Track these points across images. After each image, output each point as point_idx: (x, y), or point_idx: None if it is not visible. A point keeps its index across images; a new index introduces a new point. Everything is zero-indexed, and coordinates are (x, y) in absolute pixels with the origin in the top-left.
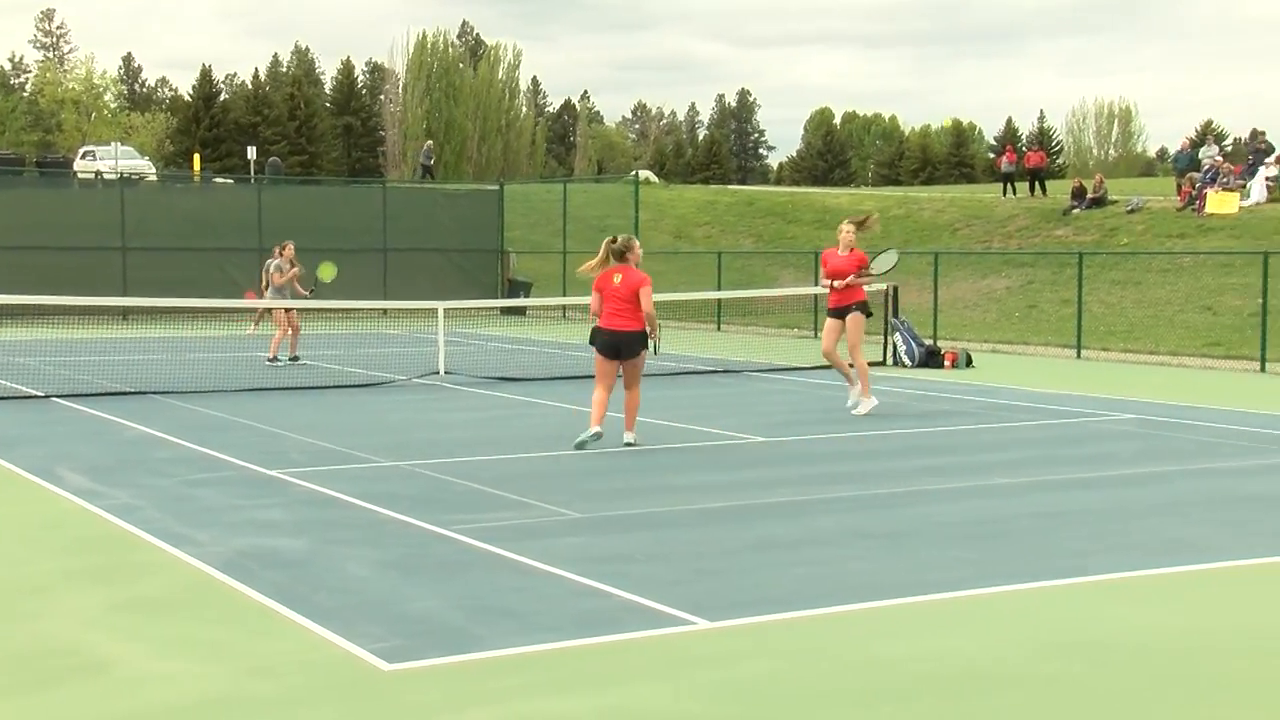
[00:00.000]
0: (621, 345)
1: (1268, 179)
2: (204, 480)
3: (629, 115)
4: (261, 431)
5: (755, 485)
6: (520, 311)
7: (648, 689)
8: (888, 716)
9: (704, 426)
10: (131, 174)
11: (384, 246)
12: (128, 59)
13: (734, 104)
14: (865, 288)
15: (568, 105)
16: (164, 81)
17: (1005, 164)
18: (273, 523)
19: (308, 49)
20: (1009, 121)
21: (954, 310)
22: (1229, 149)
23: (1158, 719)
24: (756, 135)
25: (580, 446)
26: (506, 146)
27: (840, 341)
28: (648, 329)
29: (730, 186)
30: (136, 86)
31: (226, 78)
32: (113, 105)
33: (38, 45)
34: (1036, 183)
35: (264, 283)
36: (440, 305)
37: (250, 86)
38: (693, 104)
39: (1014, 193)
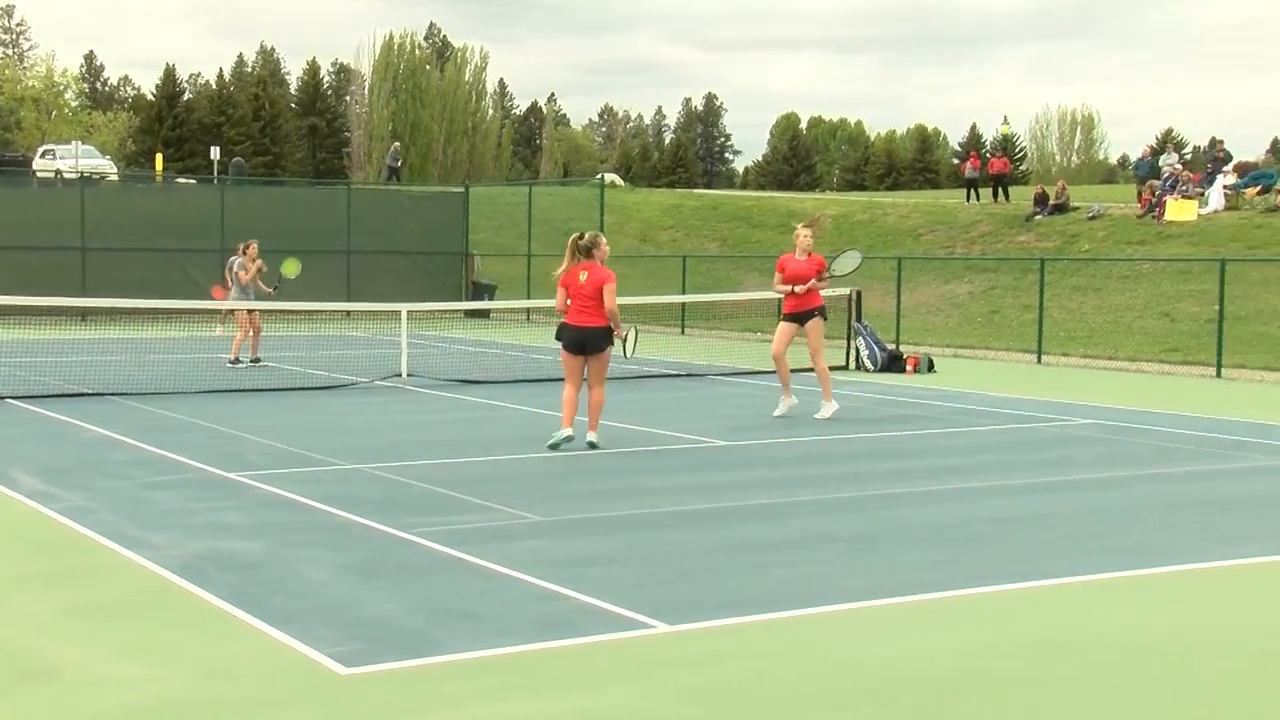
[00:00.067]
0: (586, 341)
1: (1226, 187)
2: (161, 483)
3: (595, 118)
4: (221, 434)
5: (718, 489)
6: (484, 314)
7: (610, 692)
8: (855, 718)
9: (667, 430)
10: (92, 173)
11: (348, 248)
12: (89, 57)
13: (700, 108)
14: (822, 291)
15: (534, 108)
16: (127, 80)
17: (969, 170)
18: (230, 526)
19: (273, 49)
20: (974, 128)
21: (917, 315)
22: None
23: (1122, 717)
24: (723, 139)
25: (553, 448)
26: (472, 149)
27: (791, 347)
28: (612, 325)
29: (696, 190)
30: (98, 85)
31: (190, 77)
32: (73, 104)
33: None
34: (1000, 189)
35: (227, 282)
36: (403, 307)
37: (214, 86)
38: (659, 107)
39: (978, 199)
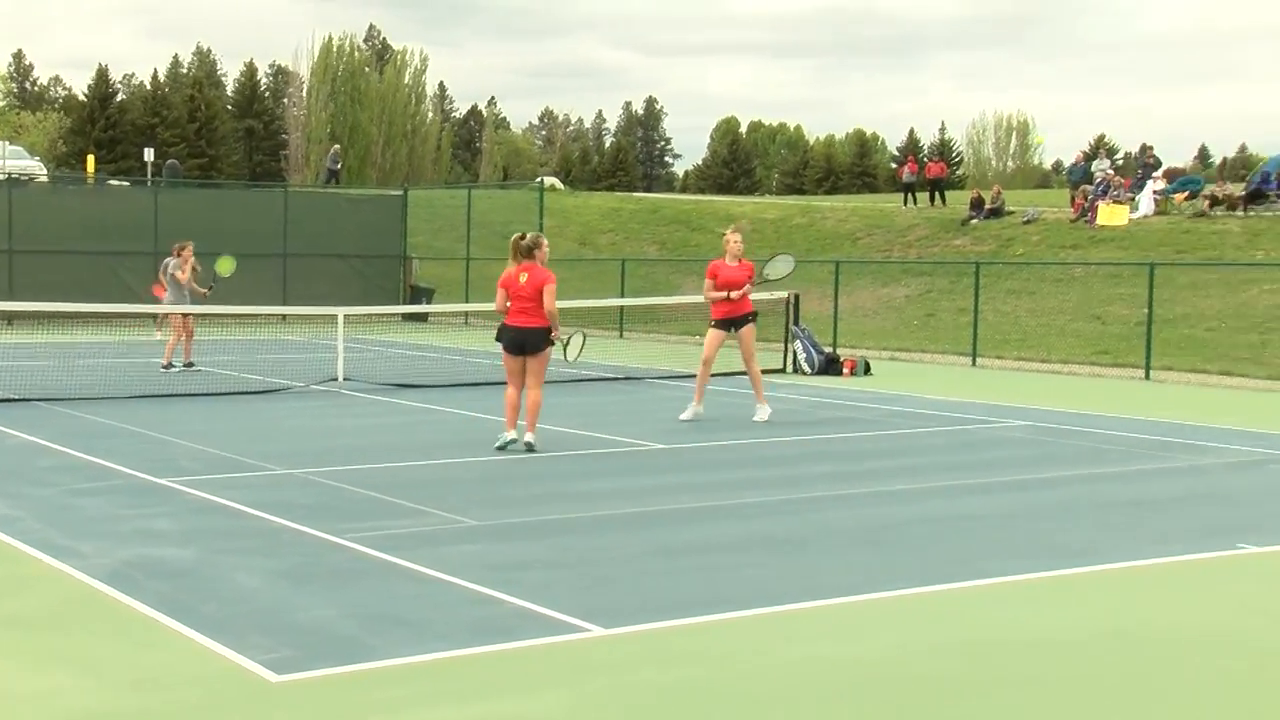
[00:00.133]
0: (526, 341)
1: (1155, 193)
2: (89, 489)
3: (536, 121)
4: (151, 439)
5: (654, 492)
6: (422, 318)
7: (543, 697)
8: None
9: (604, 433)
10: (20, 175)
11: (284, 252)
12: (18, 56)
13: (641, 112)
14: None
15: (474, 111)
16: (57, 80)
17: (906, 174)
18: (160, 532)
19: (209, 50)
20: (911, 132)
21: (854, 318)
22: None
23: (1048, 716)
24: (663, 143)
25: (500, 449)
26: (412, 152)
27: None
28: (551, 326)
29: (636, 194)
30: (28, 85)
31: (124, 78)
32: (1, 103)
33: None
34: (936, 193)
35: (163, 283)
36: (340, 311)
37: (149, 87)
38: (599, 111)
39: (914, 203)
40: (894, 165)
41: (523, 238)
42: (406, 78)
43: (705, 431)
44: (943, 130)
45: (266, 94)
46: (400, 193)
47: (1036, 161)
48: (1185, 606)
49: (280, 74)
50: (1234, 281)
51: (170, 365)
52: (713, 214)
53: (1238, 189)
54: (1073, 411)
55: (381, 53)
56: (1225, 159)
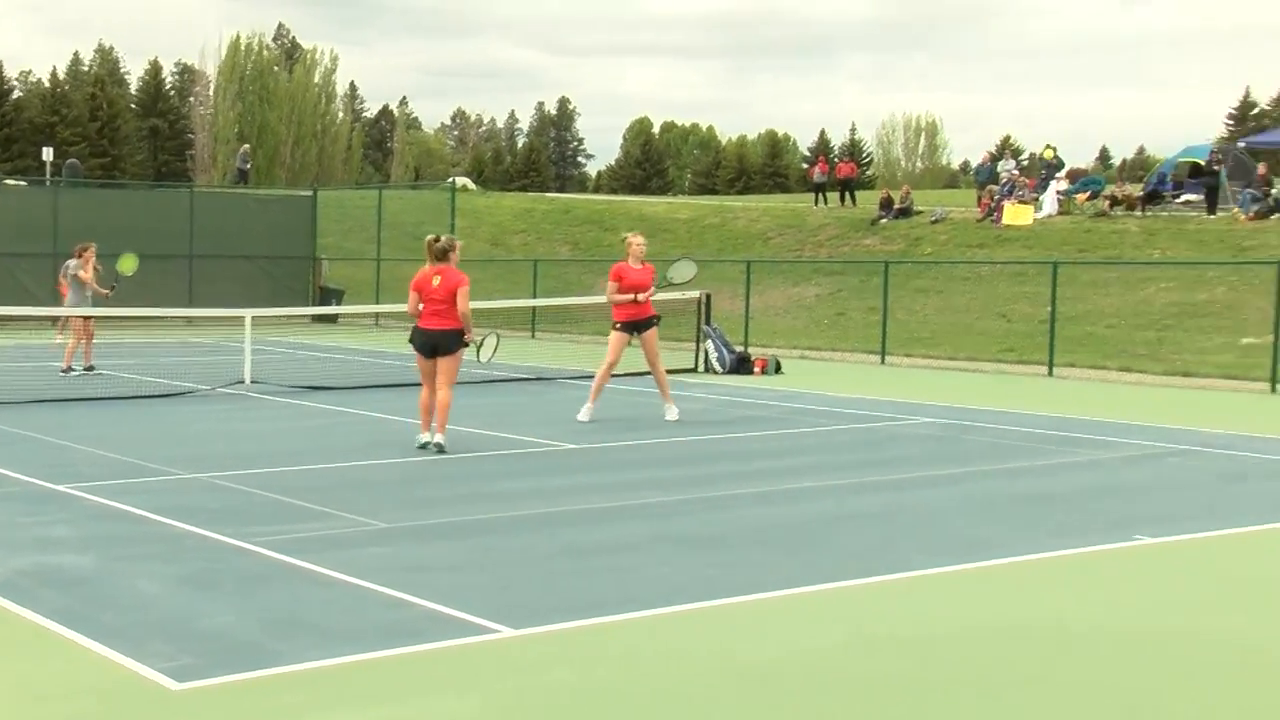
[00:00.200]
0: (439, 343)
1: (1059, 193)
2: None
3: (448, 122)
4: (49, 444)
5: (565, 492)
6: (332, 319)
7: (450, 699)
8: (696, 718)
9: (515, 434)
10: None
11: (190, 253)
12: None
13: (554, 112)
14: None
15: (385, 111)
16: None
17: (817, 174)
18: (58, 540)
19: (112, 48)
20: (822, 133)
21: (765, 317)
22: (1025, 163)
23: (951, 710)
24: (575, 143)
25: (423, 448)
26: (322, 152)
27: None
28: (464, 328)
29: (548, 194)
30: None
31: (20, 75)
32: None
33: None
34: (847, 193)
35: (64, 285)
36: (248, 313)
37: (48, 85)
38: (512, 111)
39: (825, 203)
40: (805, 165)
41: (437, 240)
42: (316, 77)
43: (617, 431)
44: (853, 131)
45: (172, 93)
46: (310, 193)
47: (944, 162)
48: (1084, 598)
49: (186, 72)
50: (1132, 280)
51: (70, 369)
52: (625, 214)
53: (1136, 190)
54: (978, 408)
55: (291, 51)
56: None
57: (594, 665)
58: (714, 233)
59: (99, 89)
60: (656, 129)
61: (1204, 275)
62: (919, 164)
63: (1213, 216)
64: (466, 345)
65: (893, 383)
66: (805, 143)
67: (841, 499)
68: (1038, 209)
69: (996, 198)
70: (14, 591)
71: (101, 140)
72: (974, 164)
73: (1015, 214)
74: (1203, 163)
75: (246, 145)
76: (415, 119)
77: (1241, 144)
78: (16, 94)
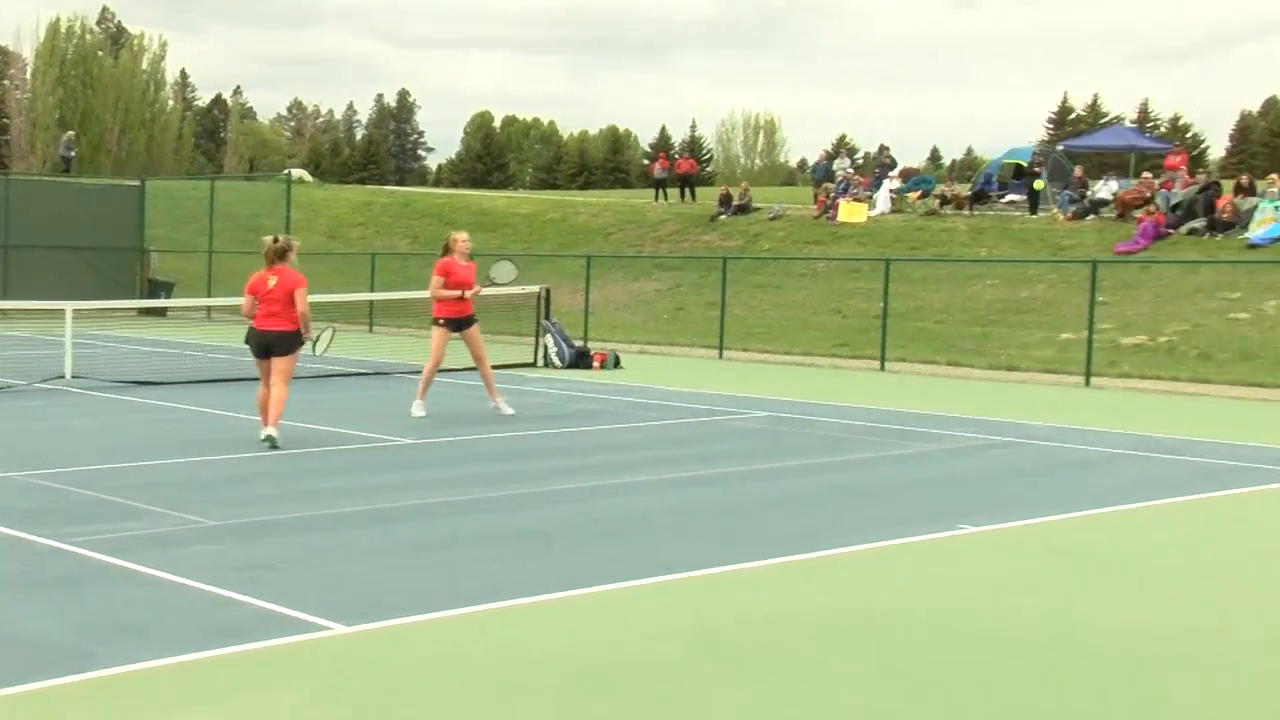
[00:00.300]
0: (273, 344)
1: (891, 191)
2: None
3: (284, 112)
4: None
5: (397, 488)
6: (160, 313)
7: (278, 697)
8: (526, 714)
9: (351, 429)
10: None
11: (5, 243)
12: None
13: (394, 104)
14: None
15: (219, 100)
16: None
17: (658, 170)
18: None
19: None
20: (663, 130)
21: (605, 312)
22: (860, 162)
23: (772, 700)
24: (416, 136)
25: (265, 442)
26: (150, 140)
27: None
28: (302, 328)
29: (388, 187)
30: None
31: None
32: None
33: None
34: (687, 189)
35: None
36: (68, 305)
37: None
38: (351, 103)
39: (665, 198)
40: (646, 161)
41: (276, 240)
42: (144, 63)
43: (453, 426)
44: (693, 128)
45: None
46: (138, 183)
47: (783, 160)
48: (907, 587)
49: (1, 55)
50: (961, 277)
51: None
52: (466, 208)
53: (964, 189)
54: (812, 402)
55: (116, 36)
56: (954, 161)
57: (423, 662)
58: (555, 227)
59: None
60: (498, 123)
61: (1026, 273)
62: (758, 161)
63: (1034, 216)
64: (303, 344)
65: (730, 377)
66: (646, 139)
67: (672, 493)
68: (871, 207)
69: (832, 195)
70: None
71: None
72: (811, 162)
73: (850, 211)
74: (1025, 164)
75: (70, 133)
76: (250, 109)
77: (1060, 147)
78: None
